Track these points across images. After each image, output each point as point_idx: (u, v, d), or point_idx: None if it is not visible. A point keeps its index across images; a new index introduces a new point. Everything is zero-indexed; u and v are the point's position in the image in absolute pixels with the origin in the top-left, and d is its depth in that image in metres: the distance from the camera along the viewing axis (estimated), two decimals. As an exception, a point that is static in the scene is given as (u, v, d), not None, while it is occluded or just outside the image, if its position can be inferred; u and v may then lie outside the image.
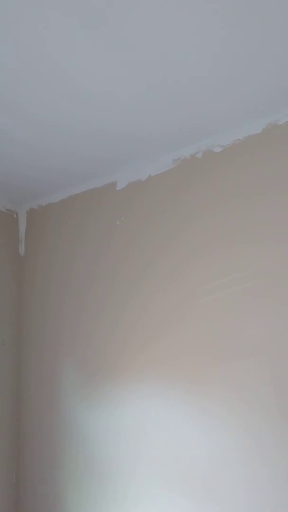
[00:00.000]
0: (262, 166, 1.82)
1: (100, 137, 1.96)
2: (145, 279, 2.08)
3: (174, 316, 1.95)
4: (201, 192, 1.98)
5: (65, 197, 2.51)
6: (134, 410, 2.00)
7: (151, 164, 2.17)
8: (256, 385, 1.69)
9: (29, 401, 2.43)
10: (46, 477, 2.27)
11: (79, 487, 2.13)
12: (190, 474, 1.79)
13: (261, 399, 1.67)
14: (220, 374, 1.78)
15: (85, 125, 1.86)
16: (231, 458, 1.71)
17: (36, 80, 1.57)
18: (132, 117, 1.81)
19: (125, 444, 2.00)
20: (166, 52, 1.45)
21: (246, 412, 1.69)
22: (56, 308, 2.42)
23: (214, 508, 1.71)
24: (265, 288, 1.73)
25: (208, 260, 1.90)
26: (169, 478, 1.85)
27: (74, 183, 2.43)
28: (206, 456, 1.76)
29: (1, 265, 2.53)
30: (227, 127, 1.90)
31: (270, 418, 1.64)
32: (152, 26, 1.34)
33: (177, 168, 2.08)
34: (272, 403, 1.64)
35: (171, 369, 1.91)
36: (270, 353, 1.68)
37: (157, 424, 1.92)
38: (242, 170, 1.88)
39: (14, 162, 2.17)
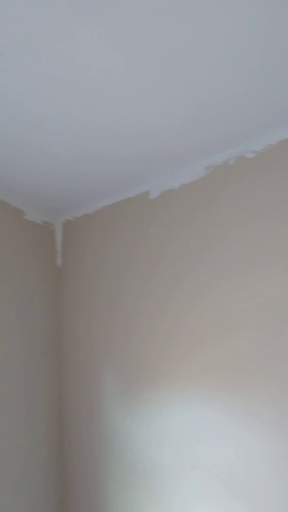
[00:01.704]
0: (297, 170, 1.79)
1: (132, 148, 1.99)
2: (182, 286, 2.07)
3: (214, 325, 1.93)
4: (235, 199, 1.96)
5: (100, 208, 2.55)
6: (177, 419, 1.99)
7: (184, 172, 2.17)
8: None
9: (70, 410, 2.47)
10: (89, 485, 2.30)
11: (122, 496, 2.14)
12: (233, 486, 1.77)
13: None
14: (259, 386, 1.75)
15: (118, 140, 1.90)
16: (271, 471, 1.67)
17: (70, 93, 1.61)
18: (165, 126, 1.82)
19: (169, 453, 1.99)
20: (199, 57, 1.46)
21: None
22: (94, 316, 2.45)
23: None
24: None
25: (245, 269, 1.88)
26: (213, 489, 1.83)
27: (107, 194, 2.47)
28: (248, 468, 1.74)
29: (40, 277, 2.60)
30: (259, 132, 1.88)
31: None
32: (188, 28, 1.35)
33: (209, 175, 2.08)
34: None
35: (212, 379, 1.89)
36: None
37: (200, 435, 1.90)
38: (275, 175, 1.85)
39: (48, 176, 2.24)
